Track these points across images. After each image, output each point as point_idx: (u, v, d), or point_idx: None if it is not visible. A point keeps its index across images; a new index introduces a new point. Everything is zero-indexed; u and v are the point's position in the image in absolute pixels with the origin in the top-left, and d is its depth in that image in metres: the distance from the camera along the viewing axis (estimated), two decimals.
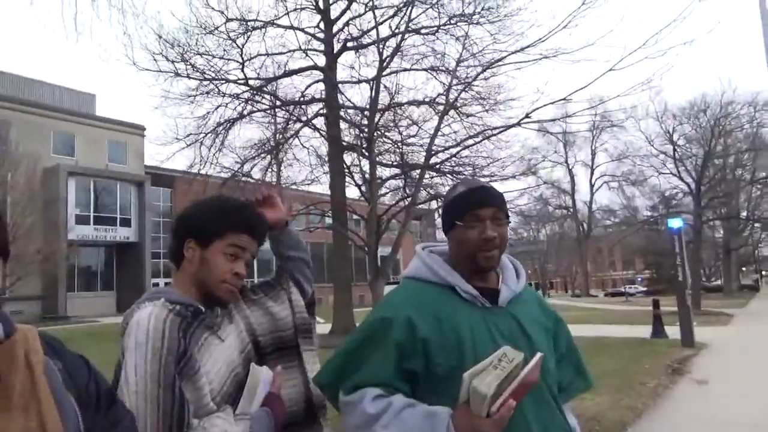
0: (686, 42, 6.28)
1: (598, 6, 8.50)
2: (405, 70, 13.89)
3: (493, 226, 1.48)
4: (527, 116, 6.05)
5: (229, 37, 14.72)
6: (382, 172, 12.70)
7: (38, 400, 0.84)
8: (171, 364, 1.29)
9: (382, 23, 13.48)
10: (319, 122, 16.01)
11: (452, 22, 13.65)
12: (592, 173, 58.76)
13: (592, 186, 58.91)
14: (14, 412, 0.81)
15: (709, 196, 30.51)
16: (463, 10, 13.45)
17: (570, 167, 59.80)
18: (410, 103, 10.93)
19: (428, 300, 1.49)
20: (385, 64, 7.77)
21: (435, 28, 14.04)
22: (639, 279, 65.04)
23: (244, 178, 15.40)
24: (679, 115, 31.73)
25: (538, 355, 1.29)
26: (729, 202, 35.64)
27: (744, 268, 65.30)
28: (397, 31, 12.83)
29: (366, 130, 6.76)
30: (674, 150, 30.11)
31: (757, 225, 39.26)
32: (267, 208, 1.75)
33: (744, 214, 37.87)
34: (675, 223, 13.68)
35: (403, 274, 1.67)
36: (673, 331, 13.10)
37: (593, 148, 56.66)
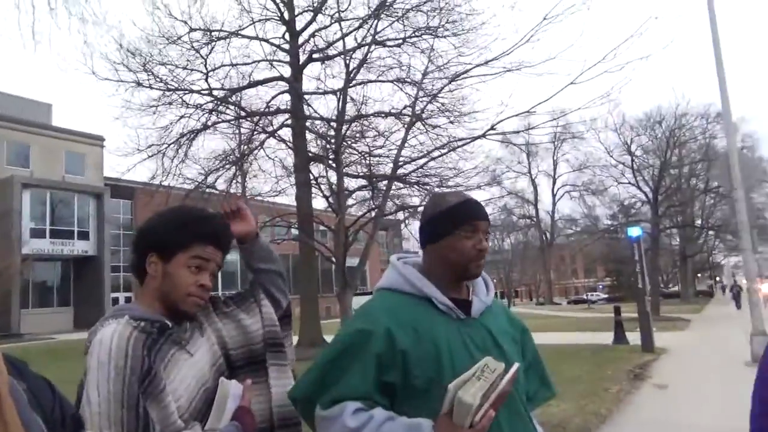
0: (643, 57, 6.49)
1: (558, 21, 8.77)
2: (371, 81, 13.97)
3: (485, 238, 1.55)
4: (492, 128, 6.16)
5: (192, 47, 14.54)
6: (349, 183, 12.71)
7: (5, 422, 0.82)
8: (134, 384, 1.25)
9: (347, 35, 13.55)
10: (285, 133, 15.93)
11: (417, 34, 13.81)
12: (554, 183, 60.04)
13: (554, 196, 60.20)
14: None
15: (665, 205, 31.50)
16: (428, 23, 13.64)
17: (533, 177, 60.99)
18: (377, 114, 11.00)
19: (406, 311, 1.49)
20: (351, 75, 7.79)
21: (400, 41, 14.19)
22: (600, 286, 66.50)
23: (208, 190, 15.15)
24: (636, 126, 32.70)
25: (516, 365, 1.31)
26: (684, 211, 36.85)
27: (699, 275, 67.49)
28: (362, 43, 12.91)
29: (333, 141, 6.76)
30: (632, 160, 31.00)
31: (711, 233, 40.62)
32: (237, 220, 1.72)
33: (699, 222, 39.19)
34: (634, 231, 14.08)
35: (377, 285, 1.65)
36: (633, 337, 13.42)
37: (555, 158, 57.95)
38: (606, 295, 60.37)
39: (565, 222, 57.15)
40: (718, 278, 76.48)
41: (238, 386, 1.45)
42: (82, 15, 6.48)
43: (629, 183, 32.13)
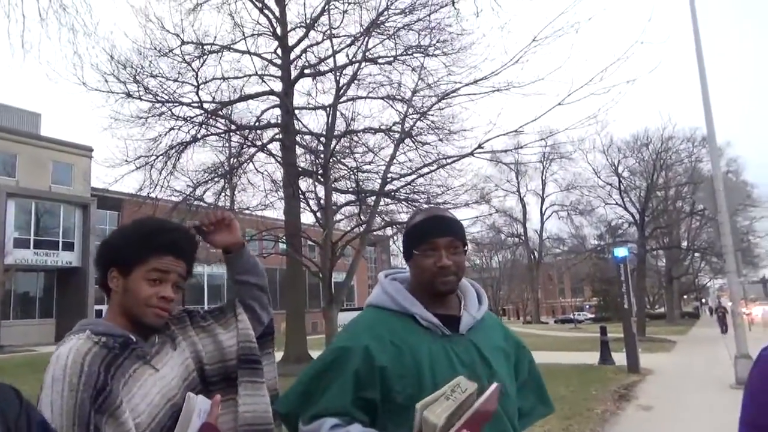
0: (629, 81, 6.59)
1: (547, 44, 8.89)
2: (361, 97, 14.06)
3: (449, 254, 1.52)
4: (480, 146, 6.20)
5: (184, 60, 14.54)
6: (338, 198, 12.71)
7: None
8: (86, 401, 1.23)
9: (338, 52, 13.64)
10: (275, 147, 15.92)
11: (408, 53, 13.95)
12: (542, 202, 60.42)
13: (542, 215, 60.56)
14: None
15: (652, 227, 31.77)
16: (419, 42, 13.79)
17: (522, 196, 61.37)
18: (366, 130, 11.06)
19: (388, 328, 1.50)
20: (341, 91, 7.83)
21: (391, 58, 14.31)
22: (587, 306, 66.69)
23: (196, 203, 15.06)
24: (624, 148, 33.07)
25: (494, 385, 1.30)
26: (671, 233, 37.24)
27: (685, 296, 67.91)
28: (354, 59, 13.00)
29: (322, 156, 6.79)
30: (619, 182, 31.29)
31: (696, 255, 41.01)
32: (223, 230, 1.70)
33: (685, 244, 39.55)
34: (621, 252, 14.18)
35: (366, 301, 1.67)
36: (619, 358, 13.44)
37: (543, 178, 58.38)
38: (592, 315, 60.56)
39: (552, 241, 57.49)
40: (703, 300, 77.03)
41: (205, 401, 1.43)
42: (72, 26, 6.46)
43: (616, 204, 32.39)
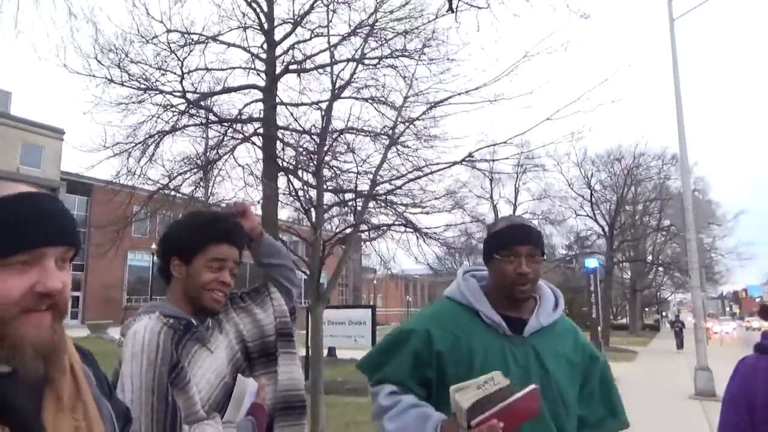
0: (614, 100, 6.83)
1: (537, 60, 9.05)
2: (350, 98, 14.10)
3: (528, 262, 1.61)
4: (470, 155, 6.37)
5: (169, 48, 14.38)
6: (325, 198, 12.64)
7: (84, 402, 0.90)
8: (164, 375, 1.35)
9: (326, 50, 13.66)
10: (256, 142, 15.84)
11: (395, 56, 14.03)
12: (514, 210, 61.07)
13: None
14: (65, 413, 0.86)
15: (619, 239, 32.63)
16: (405, 46, 13.89)
17: (494, 203, 62.02)
18: (352, 131, 11.14)
19: (453, 319, 1.65)
20: (337, 90, 7.93)
21: (377, 60, 14.38)
22: None
23: (172, 193, 14.91)
24: (597, 162, 33.88)
25: (531, 387, 1.39)
26: (637, 246, 38.23)
27: (647, 309, 69.67)
28: (350, 59, 13.03)
29: (308, 154, 6.86)
30: (591, 194, 32.05)
31: (660, 269, 42.16)
32: (242, 219, 1.82)
33: (650, 258, 40.66)
34: (591, 263, 14.59)
35: (444, 293, 1.81)
36: None
37: (517, 186, 59.11)
38: None
39: None
40: (664, 313, 79.11)
41: (254, 384, 1.58)
42: (69, 9, 6.39)
43: (587, 215, 33.19)
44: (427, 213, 11.14)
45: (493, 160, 8.19)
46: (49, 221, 0.88)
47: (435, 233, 11.84)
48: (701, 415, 8.80)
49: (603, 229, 32.04)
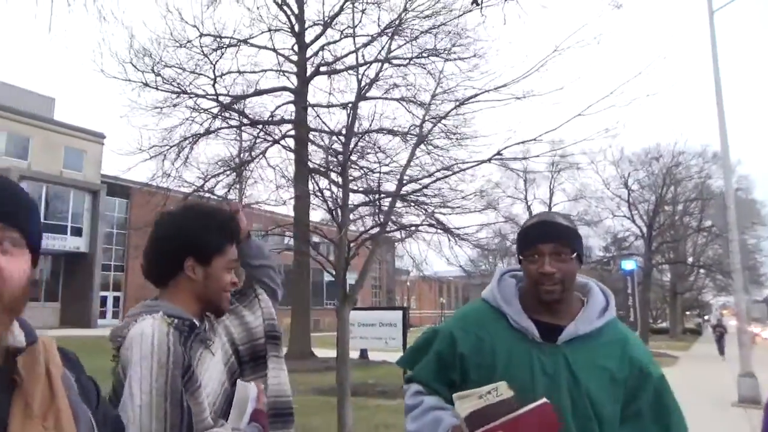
0: (648, 94, 6.59)
1: (568, 54, 8.84)
2: (379, 98, 14.09)
3: (553, 261, 1.49)
4: (499, 153, 6.23)
5: (202, 51, 14.64)
6: (352, 198, 12.64)
7: (57, 408, 0.84)
8: (178, 379, 1.27)
9: (359, 50, 13.67)
10: (289, 144, 16.00)
11: (424, 55, 13.96)
12: (549, 211, 60.27)
13: None
14: (35, 420, 0.80)
15: (659, 241, 31.74)
16: (435, 45, 13.79)
17: (529, 204, 61.17)
18: (385, 131, 11.13)
19: (479, 320, 1.60)
20: (363, 92, 7.90)
21: (407, 60, 14.33)
22: None
23: (207, 195, 15.15)
24: (634, 161, 33.04)
25: (541, 401, 1.31)
26: (677, 248, 37.12)
27: (688, 312, 67.66)
28: (372, 60, 13.04)
29: (337, 155, 6.83)
30: (629, 194, 31.29)
31: (702, 271, 40.86)
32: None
33: (690, 259, 39.43)
34: (628, 264, 14.19)
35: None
36: None
37: (552, 186, 58.19)
38: None
39: None
40: (706, 317, 76.67)
41: (254, 388, 1.52)
42: (99, 13, 6.54)
43: (624, 216, 32.41)
44: (458, 213, 10.99)
45: (524, 158, 7.99)
46: None
47: (467, 234, 11.70)
48: (745, 423, 8.44)
49: (641, 230, 31.24)
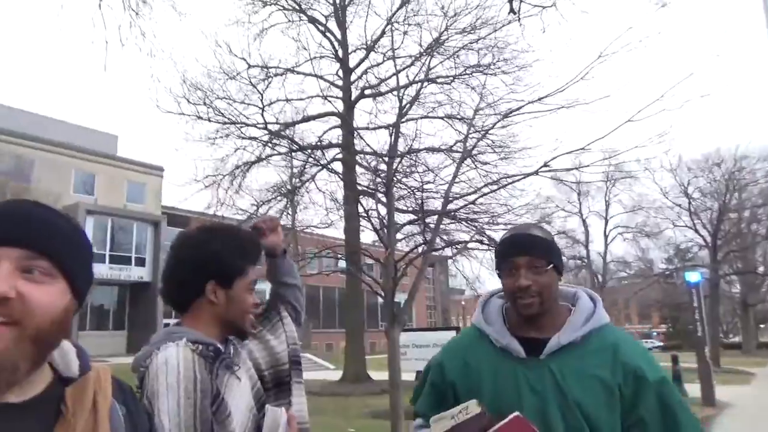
0: (703, 95, 6.33)
1: (613, 60, 8.64)
2: (422, 117, 14.16)
3: (529, 274, 1.46)
4: (546, 165, 6.09)
5: (250, 82, 15.15)
6: (399, 217, 12.70)
7: None
8: (207, 408, 1.24)
9: (400, 72, 13.83)
10: (336, 166, 16.23)
11: (468, 72, 13.95)
12: (606, 224, 58.27)
13: (606, 237, 58.34)
14: None
15: (725, 250, 30.21)
16: (479, 61, 13.77)
17: (584, 218, 59.47)
18: (428, 149, 11.14)
19: (465, 346, 1.61)
20: (404, 111, 7.95)
21: (451, 78, 14.35)
22: (655, 333, 63.62)
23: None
24: (694, 168, 31.73)
25: (512, 415, 1.30)
26: (745, 257, 35.16)
27: (762, 326, 63.63)
28: (415, 80, 13.15)
29: (383, 175, 6.86)
30: (689, 203, 30.03)
31: None
32: (270, 233, 1.80)
33: (761, 269, 37.23)
34: (693, 276, 13.48)
35: None
36: (693, 389, 12.72)
37: (607, 198, 56.45)
38: (661, 343, 57.59)
39: (617, 264, 55.26)
40: None
41: (284, 414, 1.47)
42: (150, 51, 6.88)
43: (686, 226, 31.10)
44: (521, 224, 10.77)
45: (573, 169, 7.80)
46: (6, 219, 0.80)
47: None
48: None
49: (705, 240, 29.80)
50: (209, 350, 1.35)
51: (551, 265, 1.49)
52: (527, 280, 1.45)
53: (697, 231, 30.41)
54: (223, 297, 1.45)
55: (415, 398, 1.69)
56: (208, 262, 1.46)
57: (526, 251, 1.49)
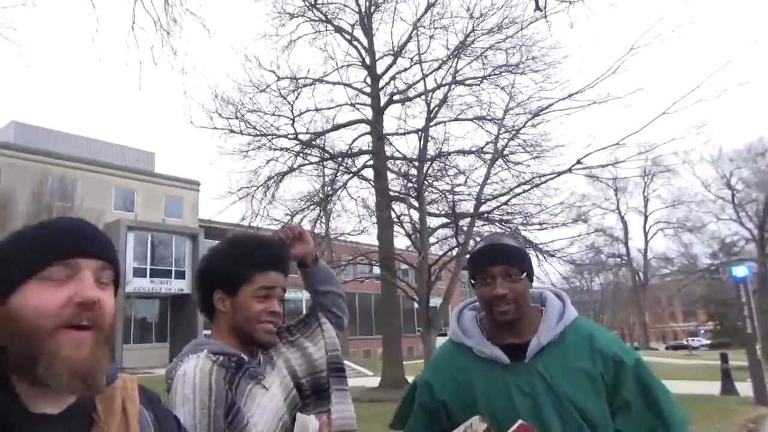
0: (741, 83, 6.11)
1: (646, 52, 8.43)
2: (451, 120, 14.10)
3: (505, 282, 1.51)
4: (579, 162, 5.96)
5: (280, 94, 15.36)
6: (431, 221, 12.65)
7: None
8: (220, 418, 1.25)
9: (427, 76, 13.80)
10: (368, 173, 16.30)
11: (497, 72, 13.85)
12: (645, 220, 56.87)
13: (646, 233, 56.89)
14: None
15: None
16: (507, 61, 13.65)
17: (622, 215, 58.12)
18: (458, 152, 11.07)
19: (452, 362, 1.61)
20: (432, 115, 7.91)
21: (480, 79, 14.27)
22: (702, 331, 61.59)
23: None
24: (736, 158, 30.72)
25: (517, 423, 1.32)
26: None
27: None
28: (442, 83, 13.11)
29: (414, 180, 6.83)
30: (733, 195, 29.10)
31: None
32: (296, 242, 1.74)
33: None
34: (740, 271, 12.99)
35: None
36: (744, 388, 12.25)
37: (646, 194, 55.08)
38: (708, 341, 55.66)
39: (659, 261, 53.80)
40: None
41: (315, 422, 1.46)
42: (182, 68, 7.05)
43: (730, 219, 30.12)
44: (544, 229, 10.61)
45: (607, 165, 7.63)
46: (82, 234, 0.90)
47: (555, 250, 11.24)
48: None
49: (751, 233, 28.75)
50: (231, 361, 1.37)
51: (524, 273, 1.55)
52: (503, 289, 1.50)
53: (742, 224, 29.40)
54: (229, 305, 1.47)
55: (399, 420, 1.68)
56: (212, 272, 1.51)
57: (500, 261, 1.54)
